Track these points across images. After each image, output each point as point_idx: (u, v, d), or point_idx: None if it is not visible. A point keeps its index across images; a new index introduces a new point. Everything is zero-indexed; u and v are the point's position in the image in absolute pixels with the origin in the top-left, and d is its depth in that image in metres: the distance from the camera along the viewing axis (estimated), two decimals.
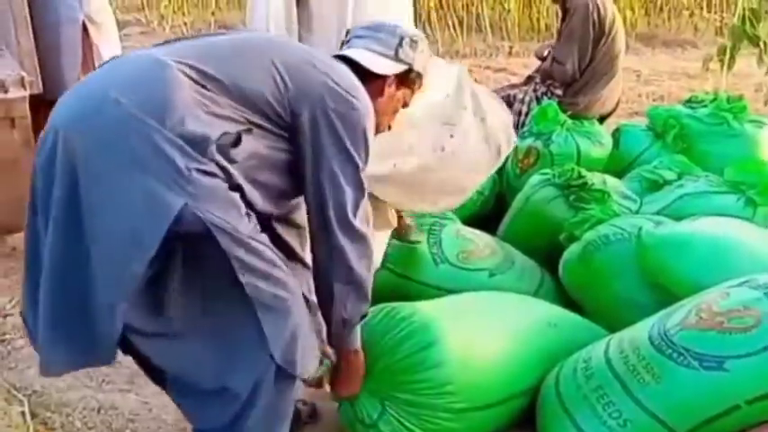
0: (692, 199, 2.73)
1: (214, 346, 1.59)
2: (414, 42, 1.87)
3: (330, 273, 1.71)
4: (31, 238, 1.58)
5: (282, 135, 1.63)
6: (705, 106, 3.46)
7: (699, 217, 2.48)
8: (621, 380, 1.93)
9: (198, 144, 1.47)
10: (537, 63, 4.22)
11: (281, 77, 1.61)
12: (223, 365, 1.60)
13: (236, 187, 1.53)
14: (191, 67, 1.54)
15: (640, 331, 2.00)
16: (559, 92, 3.85)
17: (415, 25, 7.29)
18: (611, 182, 2.89)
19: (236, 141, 1.53)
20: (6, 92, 2.65)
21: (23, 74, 2.72)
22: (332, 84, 1.65)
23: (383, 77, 1.83)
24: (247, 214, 1.55)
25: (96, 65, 3.13)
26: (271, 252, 1.59)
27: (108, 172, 1.46)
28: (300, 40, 2.36)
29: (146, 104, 1.47)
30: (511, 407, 2.09)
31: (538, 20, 7.45)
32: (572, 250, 2.55)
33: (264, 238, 1.59)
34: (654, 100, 5.42)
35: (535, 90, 3.90)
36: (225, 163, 1.50)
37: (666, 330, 1.92)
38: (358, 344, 1.86)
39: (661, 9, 7.76)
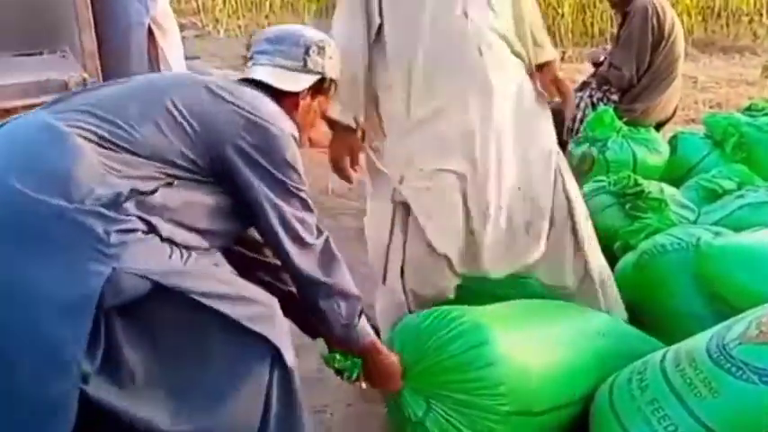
0: (753, 209, 2.67)
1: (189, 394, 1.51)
2: (321, 49, 1.79)
3: (309, 294, 1.71)
4: None
5: (209, 181, 1.57)
6: (766, 114, 3.38)
7: (760, 228, 2.42)
8: (677, 393, 1.88)
9: (112, 204, 1.40)
10: (590, 68, 4.17)
11: (188, 123, 1.54)
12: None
13: (167, 238, 1.47)
14: (91, 131, 1.47)
15: (698, 344, 1.95)
16: (616, 97, 3.79)
17: None
18: (668, 190, 2.85)
19: (153, 191, 1.47)
20: None
21: (85, 75, 2.78)
22: (242, 115, 1.59)
23: (295, 94, 1.76)
24: (181, 251, 1.50)
25: (162, 68, 3.19)
26: (222, 272, 1.59)
27: (19, 264, 1.35)
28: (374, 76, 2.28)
29: (50, 185, 1.38)
30: (559, 416, 2.06)
31: (591, 24, 7.38)
32: (627, 260, 2.52)
33: (207, 263, 1.56)
34: (711, 107, 5.32)
35: (591, 95, 3.85)
36: (147, 216, 1.44)
37: (725, 344, 1.87)
38: (371, 335, 1.84)
39: (719, 15, 7.61)
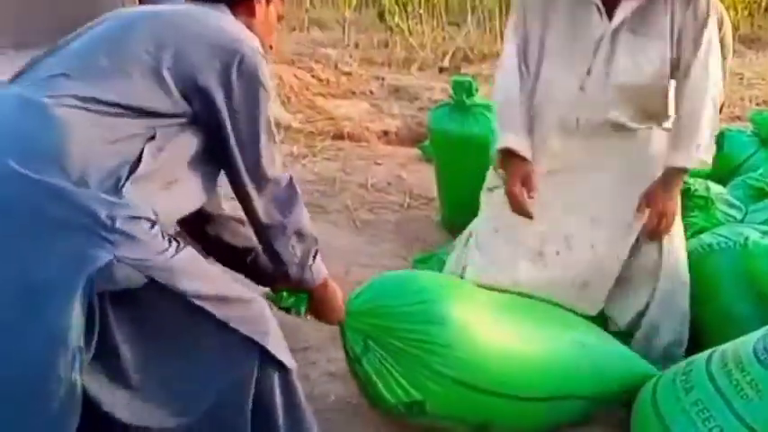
0: None
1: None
2: None
3: (266, 235, 1.69)
4: None
5: (185, 122, 1.54)
6: None
7: None
8: (723, 395, 1.85)
9: (113, 189, 1.39)
10: None
11: (158, 62, 1.51)
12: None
13: (162, 228, 1.47)
14: (71, 96, 1.44)
15: (745, 345, 1.91)
16: None
17: None
18: (715, 189, 2.78)
19: (139, 159, 1.45)
20: None
21: None
22: (210, 41, 1.56)
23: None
24: (174, 243, 1.48)
25: None
26: (212, 270, 1.58)
27: (17, 248, 1.34)
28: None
29: (44, 164, 1.36)
30: (498, 404, 1.98)
31: None
32: None
33: (196, 256, 1.55)
34: (757, 104, 5.21)
35: None
36: (142, 198, 1.43)
37: None
38: (323, 275, 1.81)
39: (766, 10, 7.43)
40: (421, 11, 7.31)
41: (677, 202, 2.23)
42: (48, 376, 1.33)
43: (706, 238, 2.42)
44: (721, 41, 3.68)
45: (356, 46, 7.05)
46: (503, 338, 2.01)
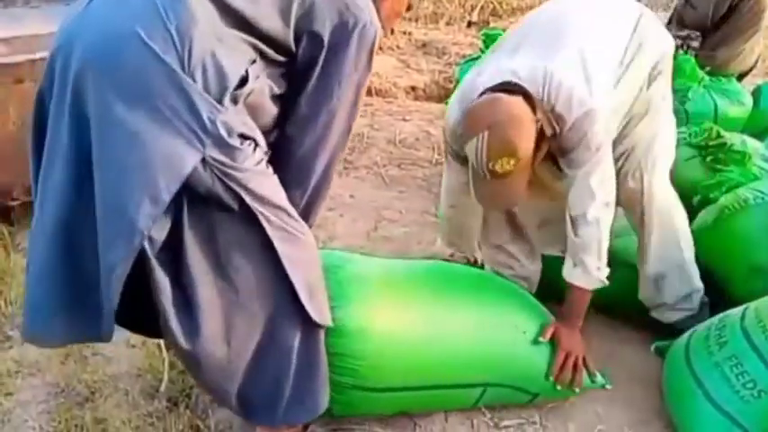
0: None
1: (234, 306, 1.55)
2: None
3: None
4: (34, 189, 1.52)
5: (279, 60, 1.56)
6: None
7: None
8: (758, 350, 1.84)
9: (219, 90, 1.43)
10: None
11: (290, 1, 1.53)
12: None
13: (240, 133, 1.49)
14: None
15: None
16: (696, 44, 3.64)
17: None
18: (751, 143, 2.73)
19: (244, 81, 1.48)
20: None
21: None
22: (341, 0, 1.57)
23: None
24: (255, 147, 1.51)
25: None
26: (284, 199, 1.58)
27: (128, 118, 1.39)
28: None
29: (167, 45, 1.39)
30: (408, 397, 1.89)
31: None
32: (706, 214, 2.44)
33: (276, 182, 1.57)
34: None
35: None
36: (232, 106, 1.46)
37: None
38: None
39: None
40: None
41: (580, 340, 2.03)
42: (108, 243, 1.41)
43: (742, 192, 2.38)
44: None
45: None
46: (408, 332, 1.85)
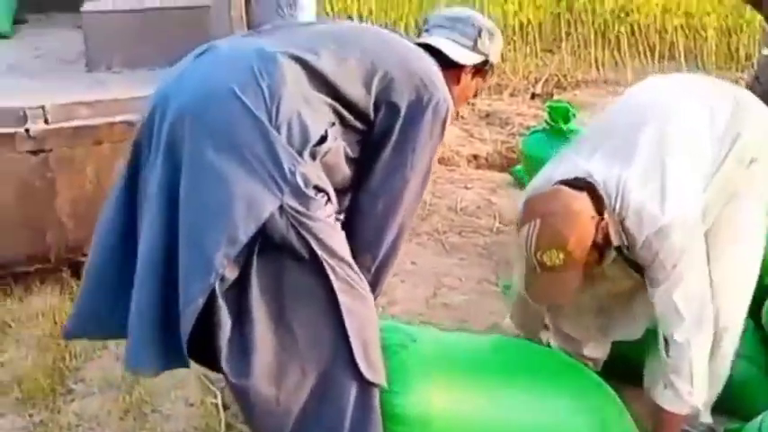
0: None
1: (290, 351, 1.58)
2: (491, 34, 1.93)
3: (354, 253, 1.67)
4: (116, 223, 1.65)
5: (357, 126, 1.66)
6: None
7: None
8: None
9: (300, 145, 1.52)
10: None
11: (372, 66, 1.65)
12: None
13: (315, 185, 1.56)
14: (296, 58, 1.59)
15: None
16: None
17: (603, 52, 7.08)
18: None
19: (323, 139, 1.57)
20: None
21: None
22: (419, 75, 1.69)
23: (461, 67, 1.89)
24: (327, 201, 1.58)
25: None
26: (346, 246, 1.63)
27: (216, 162, 1.49)
28: None
29: (258, 100, 1.51)
30: None
31: (737, 49, 7.01)
32: None
33: (343, 238, 1.63)
34: None
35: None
36: (311, 161, 1.55)
37: None
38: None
39: None
40: (514, 37, 7.27)
41: None
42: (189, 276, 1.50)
43: None
44: None
45: None
46: (469, 418, 1.79)
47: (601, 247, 1.81)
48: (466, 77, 1.92)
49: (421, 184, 1.72)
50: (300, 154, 1.52)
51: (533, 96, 6.47)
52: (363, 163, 1.68)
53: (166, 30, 3.28)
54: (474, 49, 1.90)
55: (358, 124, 1.65)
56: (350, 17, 8.50)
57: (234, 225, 1.47)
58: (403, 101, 1.65)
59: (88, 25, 3.36)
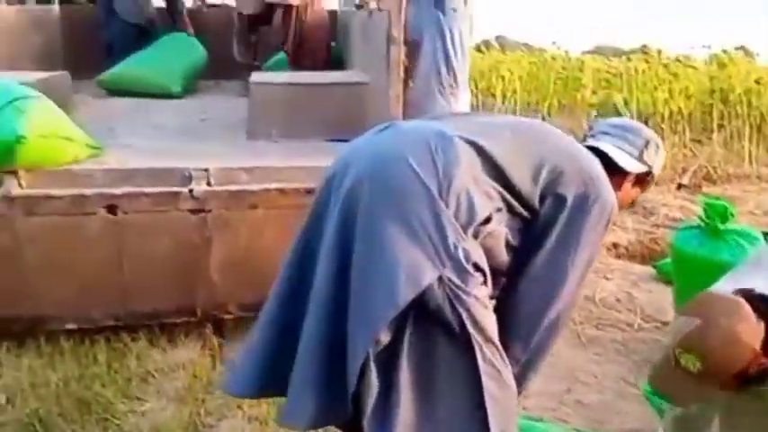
0: None
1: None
2: (657, 147, 1.98)
3: (505, 345, 1.67)
4: (291, 281, 1.71)
5: (522, 214, 1.68)
6: None
7: None
8: None
9: (466, 222, 1.56)
10: None
11: (544, 158, 1.68)
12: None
13: (474, 263, 1.58)
14: (470, 142, 1.64)
15: None
16: None
17: (758, 147, 6.77)
18: None
19: (487, 221, 1.60)
20: None
21: None
22: (587, 172, 1.72)
23: (625, 173, 1.92)
24: (484, 282, 1.59)
25: None
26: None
27: (386, 227, 1.54)
28: None
29: (431, 174, 1.56)
30: None
31: None
32: None
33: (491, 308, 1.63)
34: None
35: None
36: (472, 239, 1.58)
37: None
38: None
39: None
40: (663, 125, 7.11)
41: None
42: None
43: None
44: None
45: None
46: None
47: (747, 378, 1.65)
48: (627, 185, 1.94)
49: (579, 281, 1.72)
50: (465, 230, 1.56)
51: (680, 187, 6.27)
52: (523, 251, 1.70)
53: (325, 104, 3.45)
54: (640, 158, 1.94)
55: (523, 212, 1.68)
56: (493, 95, 8.63)
57: (394, 290, 1.51)
58: (570, 194, 1.67)
59: (254, 96, 3.58)
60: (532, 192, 1.67)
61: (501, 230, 1.65)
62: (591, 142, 1.93)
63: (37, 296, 2.81)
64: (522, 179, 1.65)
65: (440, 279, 1.52)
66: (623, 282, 4.06)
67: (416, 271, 1.51)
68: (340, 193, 1.63)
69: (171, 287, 2.94)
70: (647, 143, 1.95)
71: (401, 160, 1.59)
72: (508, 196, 1.65)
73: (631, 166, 1.92)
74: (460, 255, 1.53)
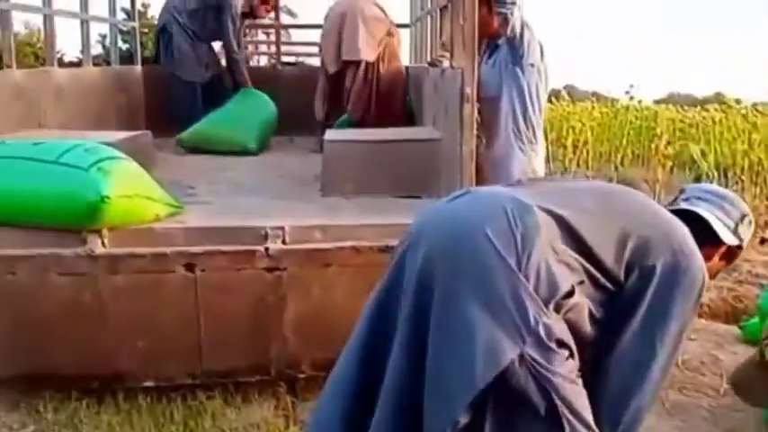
0: None
1: None
2: (750, 222, 1.91)
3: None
4: (364, 352, 1.66)
5: (606, 287, 1.61)
6: None
7: None
8: None
9: (547, 296, 1.49)
10: None
11: (629, 228, 1.61)
12: None
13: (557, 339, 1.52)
14: (550, 212, 1.58)
15: None
16: None
17: None
18: None
19: (570, 293, 1.53)
20: None
21: None
22: (677, 241, 1.64)
23: (718, 245, 1.84)
24: (569, 357, 1.53)
25: None
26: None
27: (462, 303, 1.48)
28: None
29: (509, 246, 1.50)
30: None
31: None
32: None
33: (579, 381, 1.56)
34: None
35: None
36: (554, 314, 1.51)
37: None
38: None
39: None
40: (743, 176, 6.89)
41: None
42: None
43: None
44: None
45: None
46: None
47: None
48: (715, 257, 1.86)
49: (669, 357, 1.63)
50: (546, 305, 1.50)
51: (763, 242, 6.03)
52: (609, 325, 1.62)
53: (398, 161, 3.46)
54: (734, 231, 1.87)
55: (608, 285, 1.61)
56: (564, 146, 8.54)
57: (473, 370, 1.45)
58: (658, 264, 1.60)
59: (328, 153, 3.62)
60: (617, 264, 1.60)
61: (584, 303, 1.58)
62: (685, 206, 1.86)
63: (116, 353, 2.86)
64: (605, 251, 1.59)
65: (521, 357, 1.46)
66: (707, 343, 3.88)
67: (495, 349, 1.46)
68: (415, 263, 1.59)
69: (246, 345, 2.95)
70: (742, 216, 1.89)
71: (477, 231, 1.54)
72: (591, 268, 1.58)
73: (728, 237, 1.85)
74: (541, 331, 1.47)
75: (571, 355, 1.54)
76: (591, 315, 1.60)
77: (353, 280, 2.85)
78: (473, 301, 1.48)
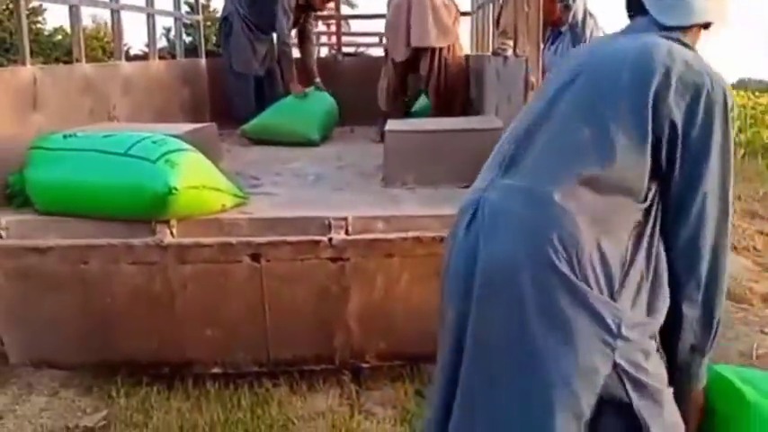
0: None
1: None
2: None
3: (679, 290, 1.49)
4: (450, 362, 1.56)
5: (652, 189, 1.47)
6: None
7: None
8: None
9: (607, 288, 1.39)
10: None
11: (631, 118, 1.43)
12: None
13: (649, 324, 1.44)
14: (562, 188, 1.42)
15: None
16: None
17: None
18: None
19: (629, 265, 1.42)
20: None
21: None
22: (665, 68, 1.45)
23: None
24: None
25: None
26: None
27: (531, 339, 1.40)
28: None
29: (558, 256, 1.38)
30: None
31: None
32: None
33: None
34: None
35: None
36: (624, 291, 1.42)
37: None
38: (703, 382, 1.57)
39: None
40: None
41: None
42: None
43: None
44: None
45: (738, 198, 6.58)
46: None
47: None
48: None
49: (722, 186, 1.47)
50: (612, 296, 1.39)
51: None
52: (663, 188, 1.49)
53: (459, 150, 3.43)
54: None
55: (653, 186, 1.48)
56: None
57: (576, 401, 1.38)
58: (676, 117, 1.44)
59: (389, 143, 3.62)
60: (641, 155, 1.44)
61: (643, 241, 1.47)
62: (629, 25, 1.66)
63: (185, 340, 2.93)
64: (634, 163, 1.44)
65: (614, 366, 1.38)
66: None
67: (589, 372, 1.37)
68: (471, 297, 1.48)
69: (310, 334, 2.98)
70: None
71: (543, 254, 1.40)
72: (637, 193, 1.45)
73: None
74: (624, 330, 1.38)
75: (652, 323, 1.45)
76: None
77: (415, 270, 2.85)
78: (542, 335, 1.39)
